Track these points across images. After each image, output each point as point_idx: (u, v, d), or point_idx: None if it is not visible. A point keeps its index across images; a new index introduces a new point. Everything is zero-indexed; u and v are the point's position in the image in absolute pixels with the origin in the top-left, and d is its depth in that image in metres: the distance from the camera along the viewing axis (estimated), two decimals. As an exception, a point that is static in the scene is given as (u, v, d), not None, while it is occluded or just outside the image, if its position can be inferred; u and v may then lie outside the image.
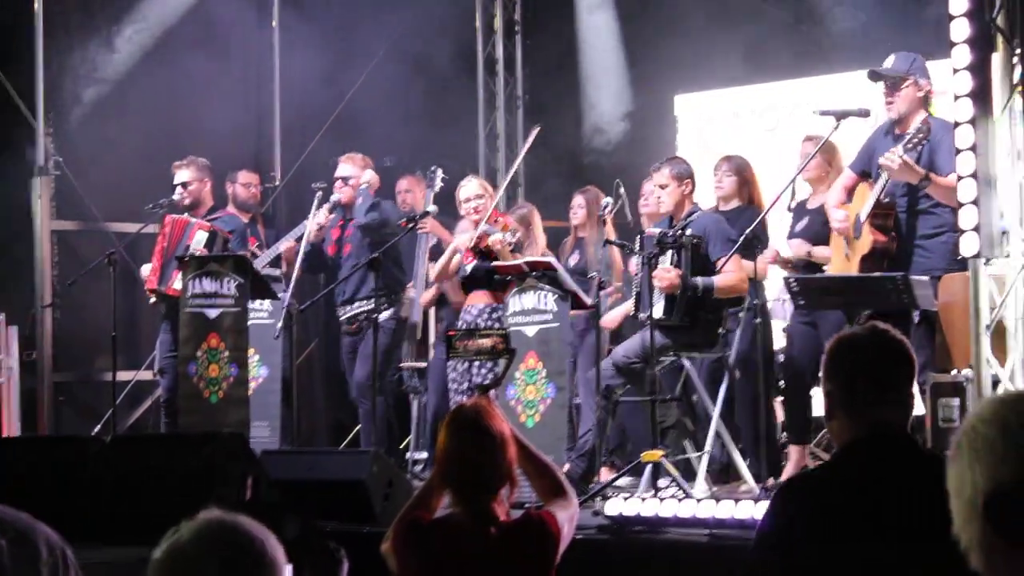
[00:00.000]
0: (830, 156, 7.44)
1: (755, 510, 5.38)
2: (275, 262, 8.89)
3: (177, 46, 10.20)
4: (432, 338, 8.82)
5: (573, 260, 8.42)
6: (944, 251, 6.42)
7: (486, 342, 7.04)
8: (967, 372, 5.94)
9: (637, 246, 7.20)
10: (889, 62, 6.66)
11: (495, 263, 7.60)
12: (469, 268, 8.01)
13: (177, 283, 8.15)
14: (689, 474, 6.98)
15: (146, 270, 8.69)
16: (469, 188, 8.19)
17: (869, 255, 6.51)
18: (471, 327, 7.64)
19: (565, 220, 8.85)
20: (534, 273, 7.29)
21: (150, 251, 8.76)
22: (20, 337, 9.58)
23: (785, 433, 7.94)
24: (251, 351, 8.02)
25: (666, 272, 6.87)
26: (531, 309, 7.29)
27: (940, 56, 6.46)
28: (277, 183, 10.85)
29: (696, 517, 5.52)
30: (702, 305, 6.96)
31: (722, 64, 9.78)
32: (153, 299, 8.68)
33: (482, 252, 7.77)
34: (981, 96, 5.82)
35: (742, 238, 6.78)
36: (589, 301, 7.27)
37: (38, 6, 9.90)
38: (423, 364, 8.68)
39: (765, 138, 9.92)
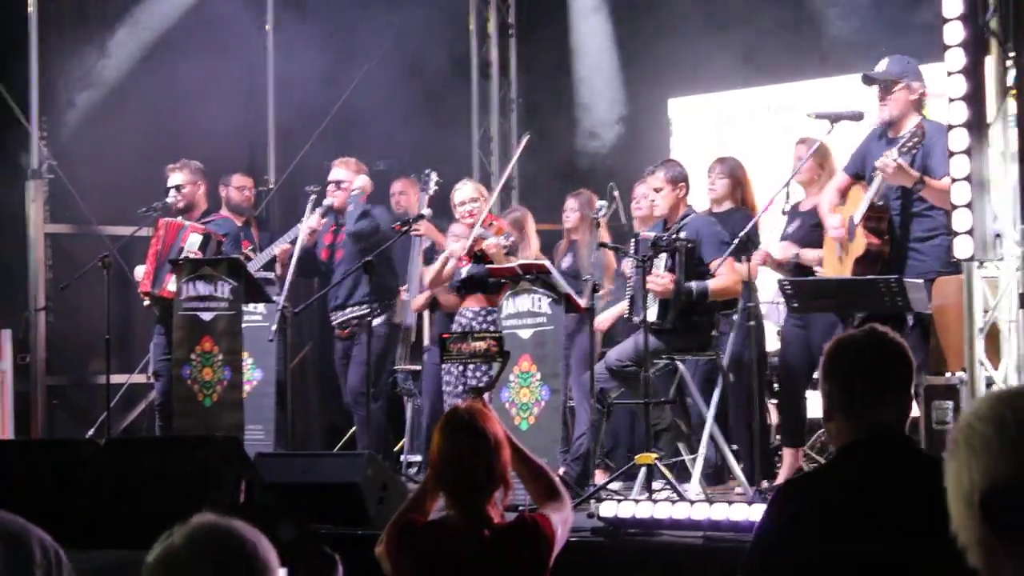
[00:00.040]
0: (822, 159, 7.45)
1: (749, 512, 5.38)
2: (269, 265, 8.88)
3: (171, 49, 10.19)
4: (426, 341, 8.83)
5: (566, 263, 8.42)
6: (938, 254, 6.42)
7: (480, 345, 7.03)
8: (961, 375, 5.94)
9: (632, 249, 7.20)
10: (882, 65, 6.67)
11: (489, 266, 7.61)
12: (464, 271, 8.03)
13: (171, 286, 8.14)
14: (683, 476, 6.99)
15: (140, 272, 8.68)
16: (464, 191, 8.21)
17: (863, 258, 6.52)
18: (466, 330, 7.66)
19: (559, 223, 8.85)
20: (528, 276, 7.29)
21: (144, 254, 8.74)
22: (14, 340, 9.58)
23: (779, 436, 7.96)
24: (245, 354, 8.01)
25: (660, 278, 6.87)
26: (525, 312, 7.29)
27: (934, 59, 6.47)
28: (271, 186, 10.85)
29: (690, 519, 5.52)
30: (696, 309, 6.97)
31: (716, 67, 9.79)
32: (147, 302, 8.67)
33: (477, 256, 7.79)
34: (974, 99, 5.82)
35: (736, 241, 6.79)
36: (583, 303, 7.27)
37: (32, 9, 9.91)
38: (417, 367, 8.69)
39: (760, 141, 9.92)
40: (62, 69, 10.13)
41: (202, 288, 7.82)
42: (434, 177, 8.71)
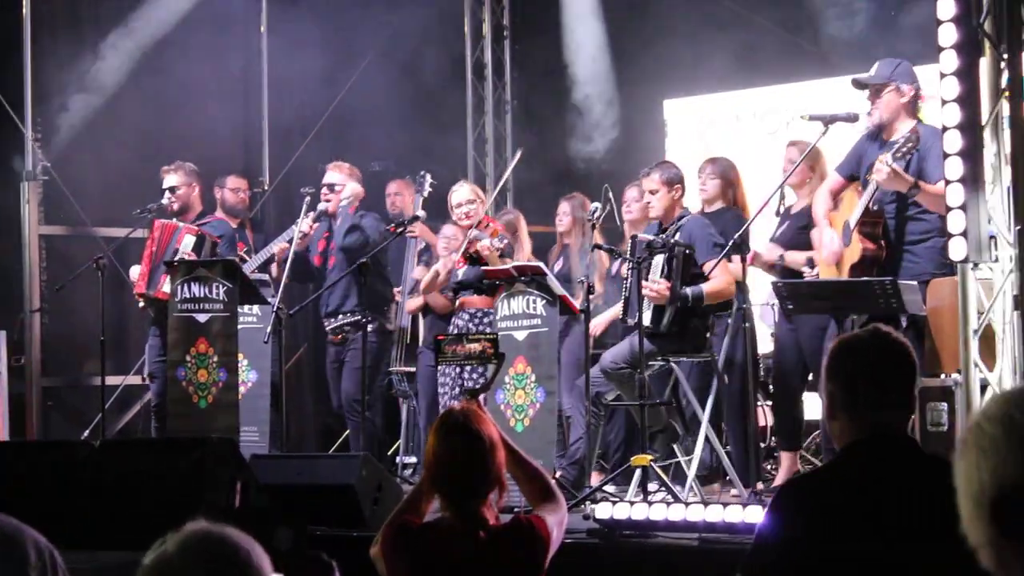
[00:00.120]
0: (813, 161, 7.45)
1: (744, 514, 5.38)
2: (264, 266, 8.88)
3: (166, 51, 10.18)
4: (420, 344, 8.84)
5: (558, 267, 8.43)
6: (932, 256, 6.43)
7: (475, 347, 7.04)
8: (956, 376, 5.95)
9: (628, 251, 7.20)
10: (873, 69, 6.68)
11: (484, 268, 7.61)
12: (461, 273, 8.04)
13: (166, 287, 8.13)
14: (679, 478, 6.99)
15: (135, 272, 8.68)
16: (461, 193, 8.24)
17: (859, 263, 6.52)
18: (462, 332, 7.66)
19: (554, 226, 8.86)
20: (523, 278, 7.29)
21: (139, 256, 8.74)
22: (8, 342, 9.58)
23: (773, 438, 7.97)
24: (240, 356, 8.01)
25: (656, 284, 6.87)
26: (520, 313, 7.30)
27: (929, 61, 6.47)
28: (266, 188, 10.85)
29: (686, 521, 5.52)
30: (692, 312, 6.97)
31: (712, 69, 9.79)
32: (142, 303, 8.66)
33: (472, 257, 7.79)
34: (969, 101, 5.83)
35: (730, 243, 6.79)
36: (578, 305, 7.27)
37: (26, 11, 9.90)
38: (412, 369, 8.69)
39: (756, 142, 9.93)
40: (56, 71, 10.13)
41: (197, 290, 7.82)
42: (428, 179, 8.72)
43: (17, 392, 9.70)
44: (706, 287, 6.92)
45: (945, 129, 5.86)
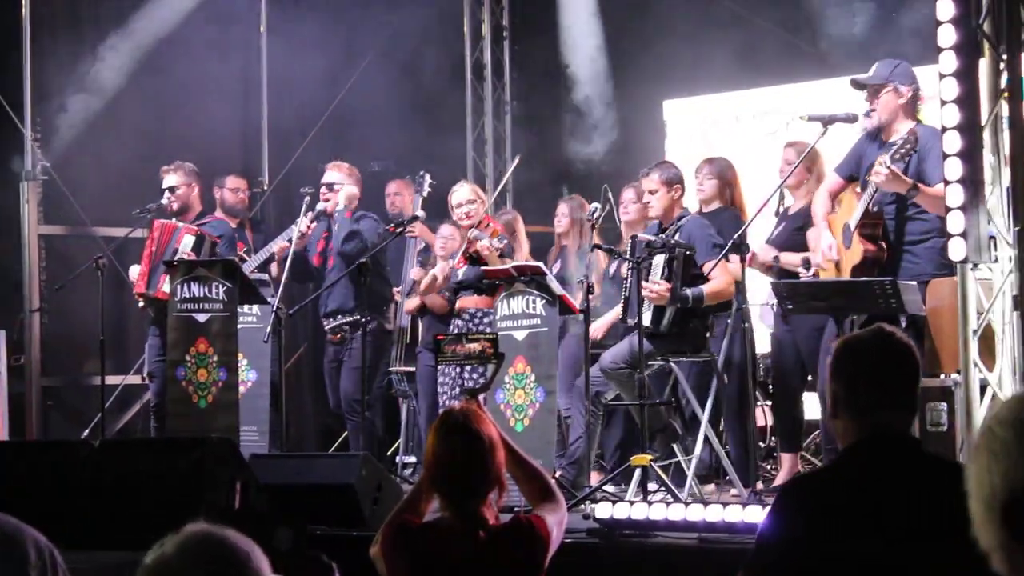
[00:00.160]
0: (810, 162, 7.44)
1: (744, 514, 5.39)
2: (264, 266, 8.89)
3: (165, 51, 10.18)
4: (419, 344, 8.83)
5: (555, 268, 8.43)
6: (932, 256, 6.43)
7: (475, 346, 7.04)
8: (955, 377, 5.95)
9: (629, 251, 7.20)
10: (872, 69, 6.69)
11: (484, 268, 7.61)
12: (461, 273, 8.04)
13: (166, 287, 8.14)
14: (678, 478, 6.99)
15: (135, 272, 8.68)
16: (461, 193, 8.25)
17: (860, 265, 6.52)
18: (462, 332, 7.67)
19: (552, 226, 8.86)
20: (523, 278, 7.30)
21: (138, 256, 8.74)
22: (8, 341, 9.57)
23: (772, 438, 7.97)
24: (240, 355, 8.01)
25: (656, 285, 6.87)
26: (520, 313, 7.30)
27: (929, 62, 6.48)
28: (265, 188, 10.85)
29: (686, 520, 5.52)
30: (692, 312, 6.98)
31: (712, 69, 9.79)
32: (141, 303, 8.66)
33: (472, 257, 7.80)
34: (968, 102, 5.82)
35: (730, 243, 6.79)
36: (578, 305, 7.27)
37: (26, 11, 9.90)
38: (411, 368, 8.69)
39: (755, 143, 9.93)
40: (56, 71, 10.13)
41: (197, 289, 7.83)
42: (428, 179, 8.74)
43: (17, 392, 9.70)
44: (706, 288, 6.93)
45: (944, 130, 5.86)
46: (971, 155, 5.78)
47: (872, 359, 3.02)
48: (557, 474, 7.02)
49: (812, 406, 7.64)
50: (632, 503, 5.78)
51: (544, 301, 7.21)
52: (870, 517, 2.83)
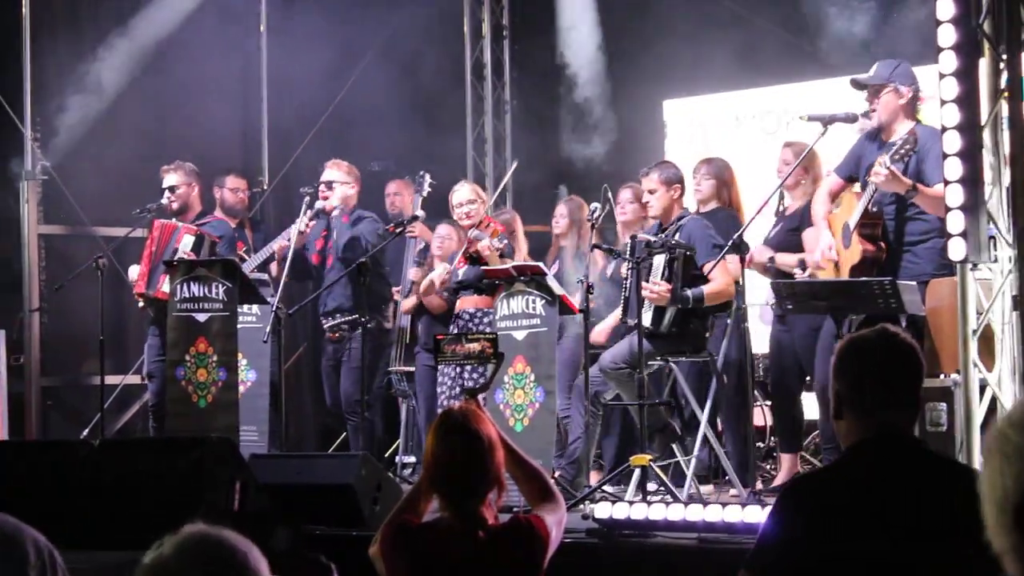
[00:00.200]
0: (808, 163, 7.44)
1: (743, 514, 5.39)
2: (264, 265, 8.89)
3: (165, 51, 10.18)
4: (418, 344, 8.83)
5: (553, 269, 8.43)
6: (931, 256, 6.43)
7: (474, 346, 7.04)
8: (955, 377, 5.95)
9: (628, 251, 7.20)
10: (872, 69, 6.68)
11: (484, 267, 7.61)
12: (461, 273, 8.04)
13: (165, 287, 8.14)
14: (678, 478, 6.99)
15: (134, 272, 8.68)
16: (461, 193, 8.25)
17: (859, 265, 6.52)
18: (462, 331, 7.67)
19: (551, 225, 8.86)
20: (523, 277, 7.30)
21: (138, 255, 8.75)
22: (8, 341, 9.58)
23: (772, 438, 7.96)
24: (239, 355, 8.01)
25: (656, 286, 6.87)
26: (519, 313, 7.30)
27: (929, 62, 6.47)
28: (265, 188, 10.85)
29: (685, 521, 5.52)
30: (692, 313, 6.98)
31: (712, 69, 9.78)
32: (141, 303, 8.67)
33: (473, 257, 7.80)
34: (968, 102, 5.82)
35: (729, 243, 6.79)
36: (577, 305, 7.27)
37: (26, 11, 9.90)
38: (411, 368, 8.69)
39: (755, 143, 9.92)
40: (56, 71, 10.13)
41: (196, 289, 7.83)
42: (427, 179, 8.74)
43: (16, 392, 9.70)
44: (707, 288, 6.93)
45: (944, 130, 5.86)
46: (971, 155, 5.78)
47: (877, 358, 3.02)
48: (556, 474, 7.02)
49: (811, 406, 7.64)
50: (631, 503, 5.78)
51: (544, 301, 7.21)
52: (876, 517, 2.83)
